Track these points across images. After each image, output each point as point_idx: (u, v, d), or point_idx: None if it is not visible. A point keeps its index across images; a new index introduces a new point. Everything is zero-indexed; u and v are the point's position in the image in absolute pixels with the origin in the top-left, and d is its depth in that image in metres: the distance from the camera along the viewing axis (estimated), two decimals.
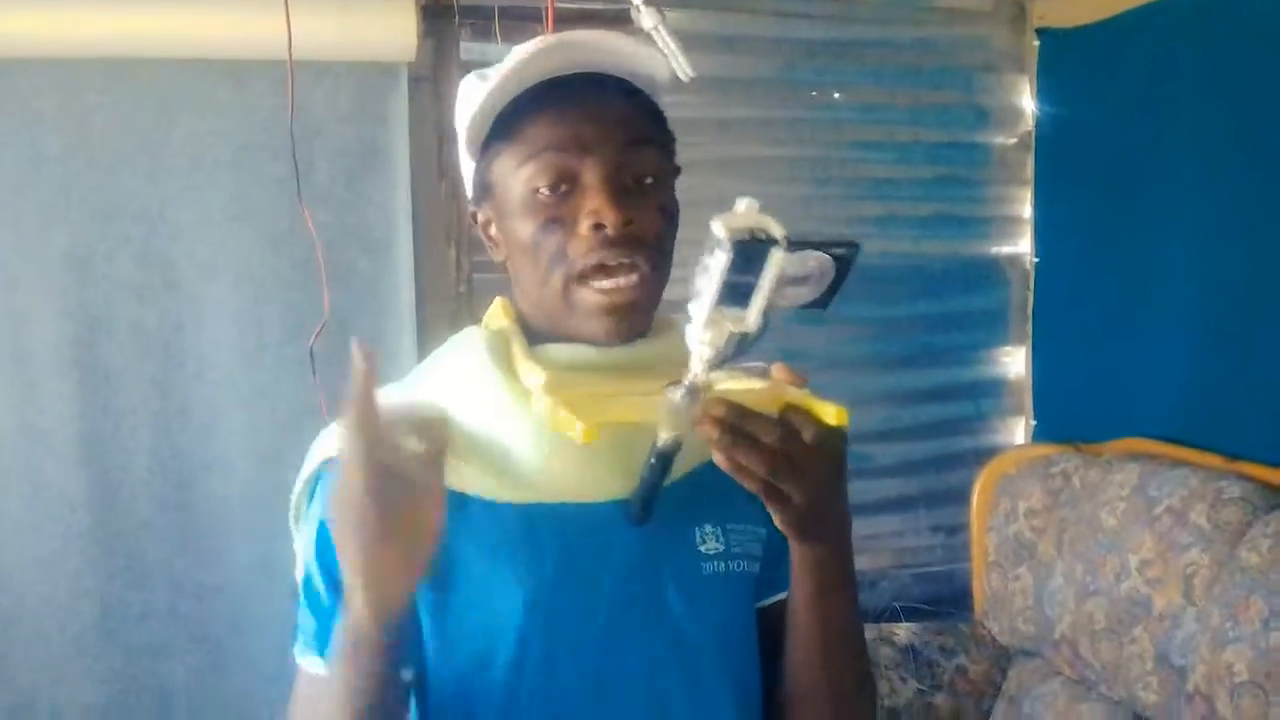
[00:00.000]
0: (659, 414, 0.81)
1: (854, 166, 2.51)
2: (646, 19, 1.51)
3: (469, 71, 2.25)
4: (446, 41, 2.14)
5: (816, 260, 0.75)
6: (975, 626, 2.33)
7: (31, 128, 1.92)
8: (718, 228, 0.72)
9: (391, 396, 0.98)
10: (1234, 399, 2.06)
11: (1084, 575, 2.03)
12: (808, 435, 0.81)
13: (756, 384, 0.88)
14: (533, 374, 0.90)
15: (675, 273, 0.97)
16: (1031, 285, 2.56)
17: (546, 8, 1.87)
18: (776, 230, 0.73)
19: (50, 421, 1.96)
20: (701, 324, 0.76)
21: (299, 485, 0.98)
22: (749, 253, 0.71)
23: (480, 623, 0.91)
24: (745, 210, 0.74)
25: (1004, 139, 2.60)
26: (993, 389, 2.65)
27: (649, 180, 0.93)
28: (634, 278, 0.91)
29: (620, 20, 1.41)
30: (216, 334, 2.02)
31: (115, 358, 1.98)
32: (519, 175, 0.92)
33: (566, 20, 1.94)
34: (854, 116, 2.51)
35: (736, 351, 0.78)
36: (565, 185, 0.91)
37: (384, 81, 2.06)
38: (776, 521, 0.85)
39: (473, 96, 0.95)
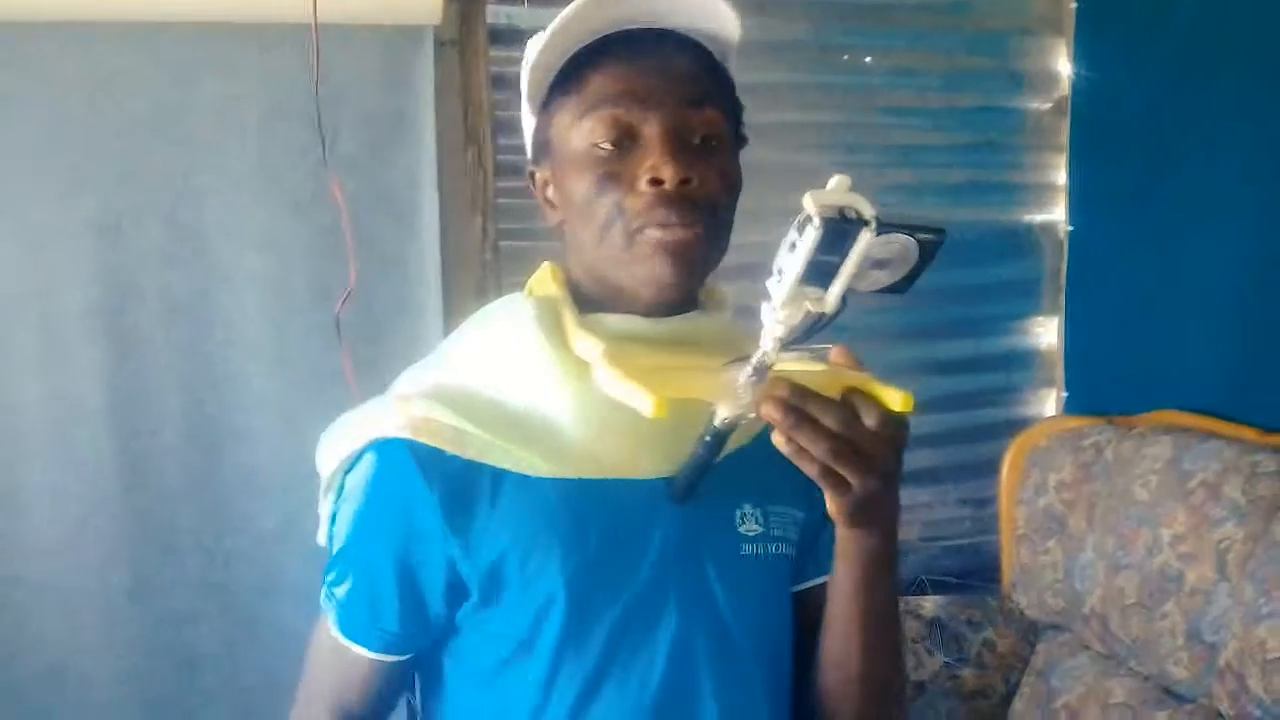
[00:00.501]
0: (721, 391, 0.79)
1: (885, 132, 2.47)
2: None
3: (495, 37, 2.21)
4: (473, 5, 2.10)
5: (901, 244, 0.72)
6: (1003, 600, 2.31)
7: (53, 91, 1.90)
8: (808, 203, 0.69)
9: (426, 375, 0.97)
10: (1271, 371, 2.03)
11: (1115, 549, 2.01)
12: (870, 420, 0.79)
13: (818, 366, 0.85)
14: (589, 344, 0.88)
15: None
16: (1065, 254, 2.51)
17: None
18: (867, 210, 0.70)
19: (79, 388, 1.96)
20: (781, 301, 0.73)
21: (341, 459, 0.97)
22: (838, 231, 0.69)
23: (521, 604, 0.90)
24: (836, 187, 0.71)
25: (1039, 104, 2.54)
26: (1024, 360, 2.61)
27: (712, 141, 0.91)
28: (690, 234, 0.89)
29: None
30: (243, 301, 2.01)
31: (143, 324, 1.98)
32: (579, 129, 0.90)
33: None
34: (886, 81, 2.46)
35: (808, 333, 0.76)
36: (625, 140, 0.89)
37: (409, 46, 2.04)
38: (831, 507, 0.82)
39: (531, 50, 0.94)
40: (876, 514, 0.84)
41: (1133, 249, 2.32)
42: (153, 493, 2.01)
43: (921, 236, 0.72)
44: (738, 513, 0.95)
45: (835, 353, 0.86)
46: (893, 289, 0.76)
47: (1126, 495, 2.01)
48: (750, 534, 0.95)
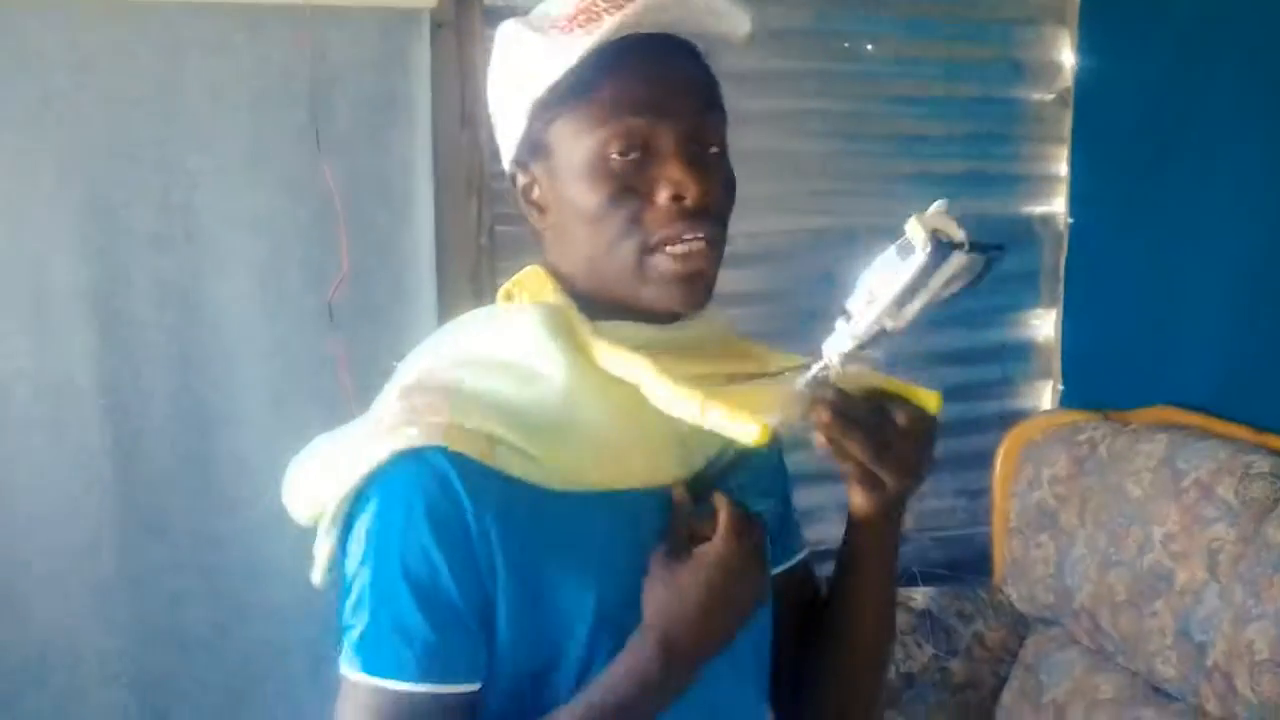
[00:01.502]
0: (779, 401, 0.82)
1: (886, 122, 2.45)
2: None
3: (491, 18, 2.18)
4: None
5: (971, 260, 0.75)
6: (994, 593, 2.31)
7: (41, 70, 1.88)
8: (915, 230, 0.72)
9: (434, 376, 0.91)
10: (1268, 370, 2.02)
11: (1106, 545, 2.01)
12: (904, 421, 0.83)
13: (851, 367, 0.87)
14: (618, 358, 0.87)
15: None
16: (1065, 247, 2.50)
17: None
18: (958, 234, 0.73)
19: (70, 371, 1.95)
20: (868, 322, 0.77)
21: (347, 486, 0.87)
22: (939, 255, 0.73)
23: (548, 623, 0.87)
24: (936, 210, 0.75)
25: (1042, 95, 2.52)
26: (1021, 352, 2.60)
27: (715, 150, 0.90)
28: (705, 249, 0.87)
29: None
30: (235, 285, 2.00)
31: (134, 307, 1.97)
32: (590, 138, 0.86)
33: None
34: (887, 70, 2.44)
35: (868, 346, 0.80)
36: (638, 151, 0.86)
37: (405, 27, 2.02)
38: (863, 504, 0.87)
39: (524, 49, 0.90)
40: (903, 511, 0.90)
41: (1133, 243, 2.30)
42: (143, 475, 2.00)
43: (991, 253, 0.76)
44: None
45: None
46: (954, 295, 0.79)
47: (1119, 492, 2.01)
48: None
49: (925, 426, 0.84)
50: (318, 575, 0.93)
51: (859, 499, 0.86)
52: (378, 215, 2.05)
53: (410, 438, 0.84)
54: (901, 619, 2.23)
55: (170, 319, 1.98)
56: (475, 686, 0.85)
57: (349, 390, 1.94)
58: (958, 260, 0.73)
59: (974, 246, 0.74)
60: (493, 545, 0.84)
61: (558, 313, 0.90)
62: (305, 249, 2.01)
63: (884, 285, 0.74)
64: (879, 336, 0.79)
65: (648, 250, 0.87)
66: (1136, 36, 2.28)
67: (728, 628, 0.86)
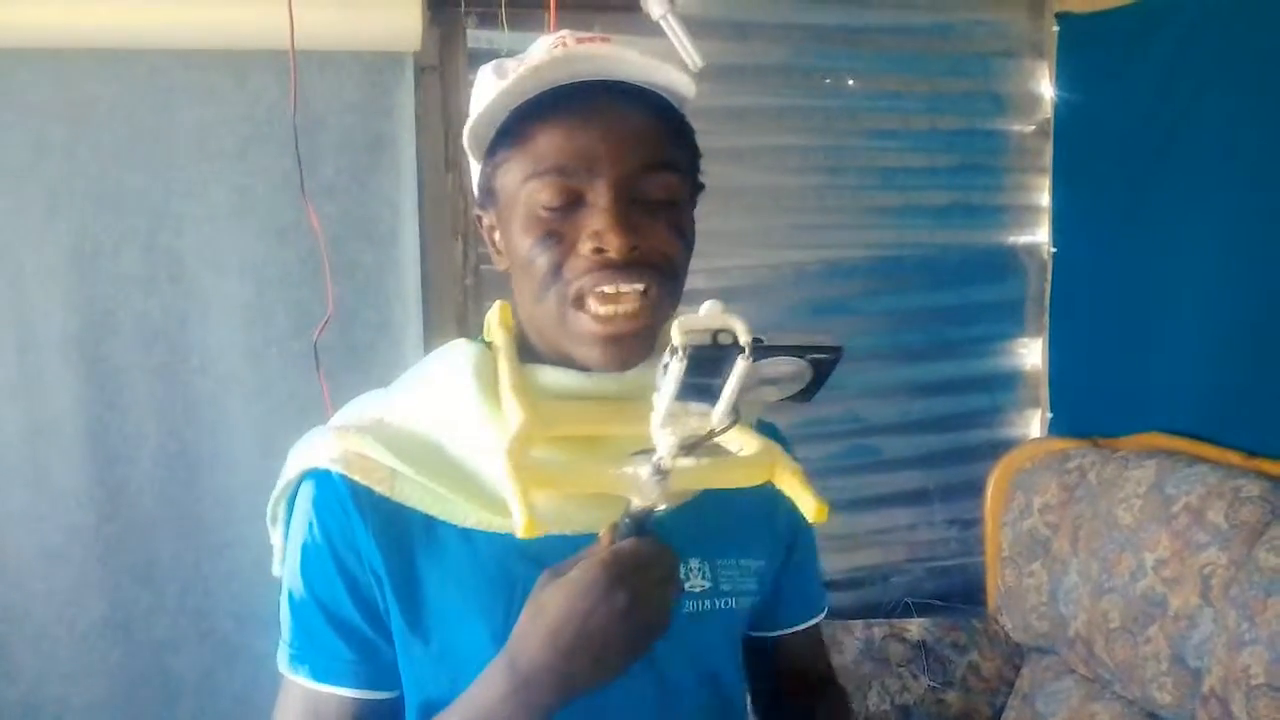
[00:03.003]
0: (625, 482, 0.80)
1: (868, 155, 2.47)
2: (655, 6, 1.46)
3: (475, 61, 2.18)
4: (453, 30, 2.11)
5: (792, 365, 0.72)
6: (988, 622, 2.30)
7: (32, 118, 1.90)
8: (675, 333, 0.70)
9: (370, 408, 0.96)
10: (1254, 394, 2.02)
11: (1099, 573, 2.00)
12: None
13: (754, 445, 0.86)
14: (511, 413, 0.86)
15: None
16: (1049, 276, 2.52)
17: None
18: (743, 335, 0.70)
19: (55, 415, 1.95)
20: (660, 421, 0.75)
21: (280, 488, 0.96)
22: (710, 358, 0.70)
23: (447, 653, 0.88)
24: (708, 313, 0.71)
25: (1022, 126, 2.55)
26: (1008, 381, 2.61)
27: (662, 198, 0.87)
28: (635, 305, 0.85)
29: (629, 8, 1.38)
30: (221, 328, 2.00)
31: (120, 351, 1.97)
32: (524, 188, 0.87)
33: (573, 9, 1.91)
34: (868, 104, 2.46)
35: (703, 441, 0.76)
36: (570, 203, 0.86)
37: (389, 71, 2.04)
38: None
39: (482, 91, 0.90)
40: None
41: (1116, 270, 2.32)
42: (130, 520, 2.00)
43: (814, 356, 0.72)
44: (682, 568, 0.91)
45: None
46: (795, 398, 0.75)
47: (1110, 519, 2.01)
48: (695, 590, 0.93)
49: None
50: (276, 567, 0.99)
51: None
52: (363, 257, 2.06)
53: (316, 459, 0.90)
54: (897, 650, 2.22)
55: (156, 362, 1.99)
56: (392, 694, 0.91)
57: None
58: (743, 366, 0.69)
59: (779, 349, 0.70)
60: (379, 569, 0.88)
61: (486, 357, 0.92)
62: (291, 291, 2.02)
63: (664, 385, 0.72)
64: (709, 434, 0.76)
65: (571, 301, 0.86)
66: (1112, 68, 2.31)
67: (592, 657, 0.79)
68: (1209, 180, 2.10)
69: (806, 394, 0.75)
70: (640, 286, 0.85)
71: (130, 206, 1.96)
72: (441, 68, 2.12)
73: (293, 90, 1.86)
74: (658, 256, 0.86)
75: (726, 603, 0.95)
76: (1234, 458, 1.98)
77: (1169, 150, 2.19)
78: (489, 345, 0.96)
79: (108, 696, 2.01)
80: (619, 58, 0.86)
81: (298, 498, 0.93)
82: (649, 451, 0.78)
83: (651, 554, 0.81)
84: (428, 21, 1.98)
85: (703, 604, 0.93)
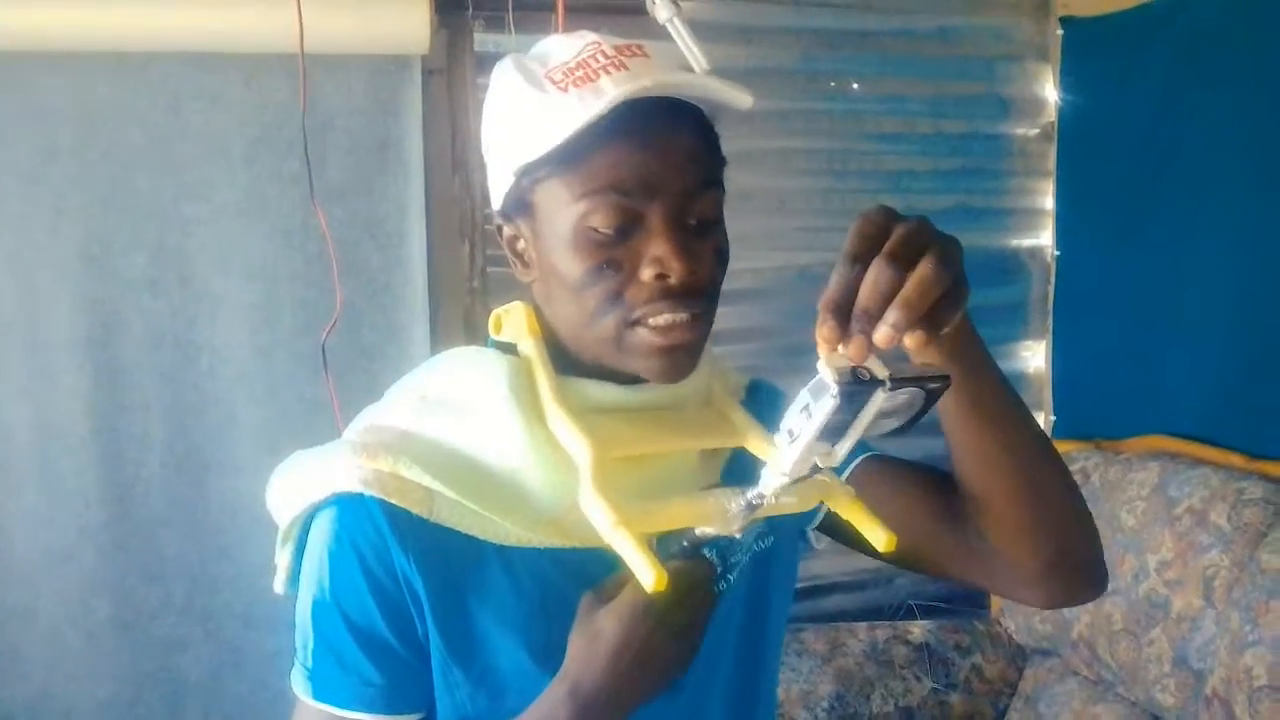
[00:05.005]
0: (711, 514, 0.80)
1: (873, 158, 2.48)
2: (661, 10, 1.46)
3: (483, 65, 2.16)
4: (460, 34, 2.12)
5: (909, 394, 0.72)
6: (992, 625, 2.31)
7: (43, 121, 1.92)
8: (824, 371, 0.69)
9: (388, 420, 0.91)
10: (1257, 397, 2.03)
11: None
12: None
13: (819, 476, 0.84)
14: (564, 435, 0.84)
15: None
16: (1052, 279, 2.53)
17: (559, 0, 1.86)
18: (880, 370, 0.70)
19: (64, 417, 1.96)
20: (791, 464, 0.74)
21: (300, 509, 0.90)
22: (853, 394, 0.70)
23: (488, 674, 0.87)
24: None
25: (1026, 130, 2.56)
26: (1012, 383, 2.61)
27: (709, 219, 0.86)
28: (689, 321, 0.84)
29: (635, 11, 1.39)
30: (229, 329, 2.02)
31: (129, 353, 1.98)
32: (574, 208, 0.82)
33: (580, 11, 1.92)
34: (873, 107, 2.47)
35: (807, 477, 0.77)
36: (624, 225, 0.82)
37: (397, 74, 2.05)
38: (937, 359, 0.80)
39: (517, 103, 0.86)
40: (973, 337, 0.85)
41: (1119, 273, 2.33)
42: (138, 520, 2.01)
43: (930, 386, 0.73)
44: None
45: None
46: (898, 431, 0.75)
47: (1113, 521, 2.02)
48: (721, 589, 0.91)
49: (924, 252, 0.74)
50: (279, 585, 0.96)
51: (934, 356, 0.80)
52: (371, 259, 2.07)
53: (350, 482, 0.85)
54: (900, 652, 2.23)
55: (165, 363, 2.00)
56: (418, 716, 0.88)
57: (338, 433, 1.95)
58: (881, 399, 0.70)
59: (906, 381, 0.71)
60: (420, 594, 0.85)
61: (523, 370, 0.89)
62: (299, 293, 2.03)
63: (801, 426, 0.72)
64: (815, 470, 0.76)
65: (629, 324, 0.84)
66: (1117, 71, 2.32)
67: (648, 678, 0.80)
68: (1212, 183, 2.10)
69: (909, 425, 0.75)
70: (698, 311, 0.84)
71: (139, 208, 1.97)
72: (449, 71, 2.13)
73: (302, 93, 1.87)
74: (705, 283, 0.85)
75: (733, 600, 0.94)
76: (1237, 460, 1.99)
77: (1172, 154, 2.19)
78: (502, 348, 0.92)
79: (115, 695, 2.02)
80: (689, 83, 0.84)
81: (319, 522, 0.88)
82: (740, 490, 0.79)
83: (706, 576, 0.82)
84: (435, 25, 2.00)
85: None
